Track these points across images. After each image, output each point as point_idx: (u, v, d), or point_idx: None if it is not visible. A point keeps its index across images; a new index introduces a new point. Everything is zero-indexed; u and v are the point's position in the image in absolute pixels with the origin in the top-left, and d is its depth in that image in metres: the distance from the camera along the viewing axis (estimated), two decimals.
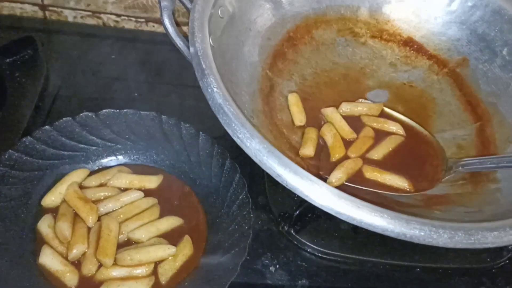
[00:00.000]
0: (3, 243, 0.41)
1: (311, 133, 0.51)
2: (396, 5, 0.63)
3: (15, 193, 0.45)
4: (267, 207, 0.50)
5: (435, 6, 0.62)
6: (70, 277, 0.41)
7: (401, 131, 0.54)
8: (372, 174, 0.49)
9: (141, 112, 0.51)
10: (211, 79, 0.41)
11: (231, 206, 0.47)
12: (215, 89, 0.41)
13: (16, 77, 0.57)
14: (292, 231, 0.48)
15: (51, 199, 0.46)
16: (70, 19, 0.68)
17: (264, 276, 0.46)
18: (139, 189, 0.48)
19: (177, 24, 0.48)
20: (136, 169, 0.50)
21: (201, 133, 0.50)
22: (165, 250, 0.43)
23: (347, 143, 0.51)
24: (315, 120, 0.54)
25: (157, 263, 0.43)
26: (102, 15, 0.68)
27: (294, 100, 0.54)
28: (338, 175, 0.47)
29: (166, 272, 0.43)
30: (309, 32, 0.60)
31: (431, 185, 0.49)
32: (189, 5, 0.49)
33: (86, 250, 0.43)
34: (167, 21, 0.45)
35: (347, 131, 0.52)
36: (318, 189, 0.37)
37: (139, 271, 0.42)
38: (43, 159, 0.47)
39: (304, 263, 0.47)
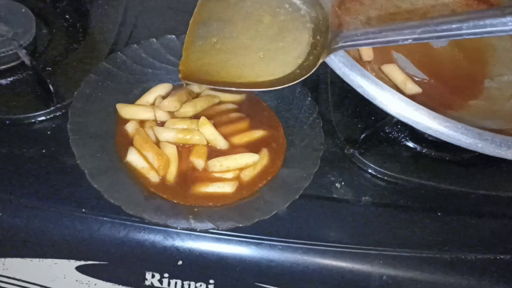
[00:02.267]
0: (98, 146, 0.46)
1: None
2: None
3: (108, 100, 0.49)
4: (333, 132, 0.53)
5: None
6: (153, 174, 0.45)
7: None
8: None
9: None
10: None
11: (303, 126, 0.50)
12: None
13: (99, 4, 0.61)
14: (356, 154, 0.51)
15: None
16: None
17: (331, 191, 0.49)
18: None
19: None
20: None
21: None
22: (249, 157, 0.47)
23: None
24: (381, 57, 0.57)
25: (239, 171, 0.47)
26: None
27: None
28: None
29: (247, 177, 0.47)
30: None
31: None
32: None
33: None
34: None
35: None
36: (397, 99, 0.40)
37: (225, 175, 0.46)
38: (131, 73, 0.52)
39: (367, 183, 0.50)
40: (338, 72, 0.42)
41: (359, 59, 0.56)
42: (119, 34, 0.58)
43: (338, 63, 0.41)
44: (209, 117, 0.50)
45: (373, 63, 0.56)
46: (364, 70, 0.41)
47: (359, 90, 0.41)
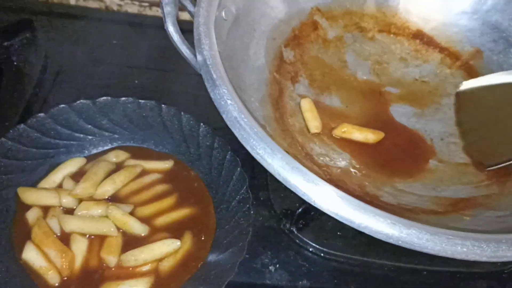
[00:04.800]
0: None
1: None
2: None
3: (6, 183, 0.43)
4: (269, 202, 0.48)
5: None
6: (52, 274, 0.39)
7: None
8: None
9: (140, 100, 0.49)
10: (224, 90, 0.38)
11: (231, 202, 0.45)
12: (229, 101, 0.37)
13: (13, 61, 0.55)
14: (294, 229, 0.46)
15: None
16: (73, 1, 0.65)
17: (263, 276, 0.44)
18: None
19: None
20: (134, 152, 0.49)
21: (201, 124, 0.48)
22: (169, 245, 0.41)
23: None
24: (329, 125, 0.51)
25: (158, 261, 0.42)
26: None
27: (307, 106, 0.51)
28: None
29: (166, 268, 0.41)
30: (315, 29, 0.58)
31: None
32: (191, 9, 0.45)
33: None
34: (171, 29, 0.42)
35: None
36: (352, 211, 0.34)
37: (141, 268, 0.41)
38: (38, 148, 0.46)
39: (305, 263, 0.45)
40: (277, 177, 0.35)
41: (306, 132, 0.50)
42: (34, 98, 0.52)
43: (276, 167, 0.35)
44: (131, 194, 0.46)
45: (322, 135, 0.50)
46: (310, 173, 0.34)
47: (304, 198, 0.35)
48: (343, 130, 0.50)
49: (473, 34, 0.59)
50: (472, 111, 0.54)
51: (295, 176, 0.34)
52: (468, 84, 0.55)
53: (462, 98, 0.55)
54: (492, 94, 0.52)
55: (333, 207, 0.34)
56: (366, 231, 0.34)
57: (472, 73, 0.58)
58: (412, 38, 0.60)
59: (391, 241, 0.34)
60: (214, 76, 0.39)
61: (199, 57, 0.40)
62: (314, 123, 0.50)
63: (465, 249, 0.34)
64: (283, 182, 0.35)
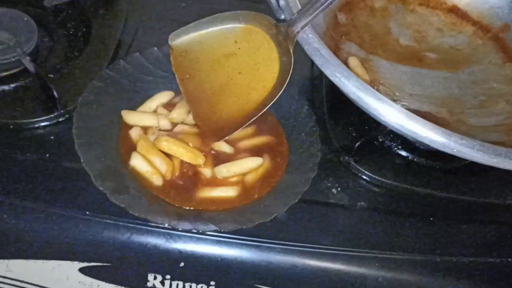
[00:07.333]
0: (102, 150, 0.47)
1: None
2: None
3: (111, 106, 0.50)
4: (328, 140, 0.55)
5: None
6: (156, 177, 0.46)
7: None
8: None
9: None
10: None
11: (300, 133, 0.52)
12: (310, 35, 0.46)
13: (99, 14, 0.62)
14: (352, 161, 0.53)
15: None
16: None
17: (327, 196, 0.51)
18: None
19: None
20: None
21: None
22: (253, 162, 0.49)
23: None
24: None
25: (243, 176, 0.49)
26: None
27: (355, 63, 0.58)
28: None
29: (249, 181, 0.48)
30: None
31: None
32: None
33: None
34: None
35: None
36: (414, 123, 0.41)
37: (230, 179, 0.48)
38: (132, 81, 0.53)
39: (362, 189, 0.52)
40: (351, 95, 0.43)
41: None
42: (120, 43, 0.60)
43: (351, 87, 0.42)
44: None
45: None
46: (378, 93, 0.42)
47: (374, 113, 0.42)
48: None
49: (502, 11, 0.67)
50: (192, 71, 0.50)
51: (367, 94, 0.42)
52: (179, 36, 0.51)
53: (178, 55, 0.50)
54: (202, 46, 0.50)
55: (399, 120, 0.41)
56: (426, 141, 0.41)
57: (501, 44, 0.66)
58: (448, 12, 0.68)
59: (446, 150, 0.41)
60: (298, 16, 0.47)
61: (281, 2, 0.48)
62: (364, 78, 0.56)
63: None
64: (357, 100, 0.43)
